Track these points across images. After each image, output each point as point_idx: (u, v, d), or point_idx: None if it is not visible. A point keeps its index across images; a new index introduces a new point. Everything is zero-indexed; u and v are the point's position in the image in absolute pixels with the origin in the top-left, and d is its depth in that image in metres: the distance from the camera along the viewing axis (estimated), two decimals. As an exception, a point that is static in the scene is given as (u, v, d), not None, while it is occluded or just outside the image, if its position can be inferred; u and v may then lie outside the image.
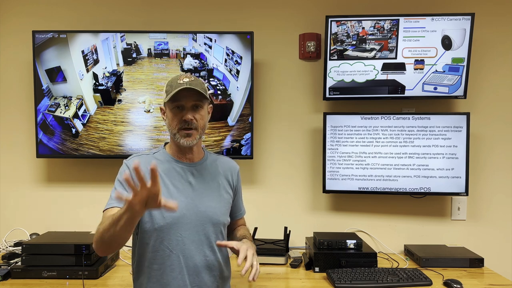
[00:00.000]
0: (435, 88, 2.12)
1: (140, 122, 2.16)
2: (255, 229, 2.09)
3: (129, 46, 2.15)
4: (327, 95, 2.17)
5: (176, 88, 1.32)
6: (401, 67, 2.12)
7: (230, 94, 2.16)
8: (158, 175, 1.04)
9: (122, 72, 2.15)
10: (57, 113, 2.15)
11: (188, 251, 1.34)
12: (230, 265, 1.51)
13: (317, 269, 1.88)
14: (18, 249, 1.99)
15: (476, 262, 1.96)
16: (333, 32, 2.12)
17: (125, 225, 1.11)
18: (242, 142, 2.18)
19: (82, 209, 2.26)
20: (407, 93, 2.13)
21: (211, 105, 1.48)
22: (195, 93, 1.33)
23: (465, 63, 2.09)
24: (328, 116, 2.17)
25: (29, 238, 2.14)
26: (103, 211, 1.31)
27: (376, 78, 2.14)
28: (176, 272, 1.33)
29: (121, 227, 1.12)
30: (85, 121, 2.15)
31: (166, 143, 1.49)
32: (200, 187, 1.41)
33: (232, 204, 1.52)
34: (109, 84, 2.15)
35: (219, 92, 2.16)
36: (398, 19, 2.09)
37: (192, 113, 1.34)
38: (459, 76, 2.10)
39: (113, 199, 1.32)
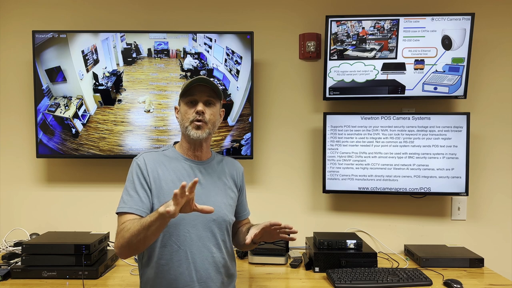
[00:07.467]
0: (435, 88, 2.12)
1: (140, 122, 2.16)
2: (255, 229, 2.10)
3: (129, 46, 2.15)
4: (327, 95, 2.17)
5: (191, 82, 1.39)
6: (401, 67, 2.12)
7: (230, 94, 2.16)
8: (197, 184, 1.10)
9: (122, 72, 2.15)
10: (57, 113, 2.15)
11: (195, 247, 1.35)
12: (235, 263, 1.53)
13: (317, 269, 1.88)
14: (18, 249, 1.99)
15: (476, 262, 1.96)
16: (333, 32, 2.12)
17: (157, 229, 1.19)
18: (242, 142, 2.18)
19: (82, 209, 2.27)
20: (407, 93, 2.13)
21: (223, 109, 1.53)
22: (209, 89, 1.40)
23: (465, 63, 2.09)
24: (328, 116, 2.17)
25: (29, 238, 2.14)
26: (118, 213, 1.34)
27: (376, 78, 2.14)
28: (184, 268, 1.34)
29: (153, 231, 1.19)
30: (85, 121, 2.15)
31: (175, 143, 1.53)
32: (208, 185, 1.43)
33: (237, 204, 1.56)
34: (109, 84, 2.15)
35: (219, 92, 2.16)
36: (398, 19, 2.09)
37: (204, 107, 1.40)
38: (459, 76, 2.10)
39: (126, 202, 1.34)
